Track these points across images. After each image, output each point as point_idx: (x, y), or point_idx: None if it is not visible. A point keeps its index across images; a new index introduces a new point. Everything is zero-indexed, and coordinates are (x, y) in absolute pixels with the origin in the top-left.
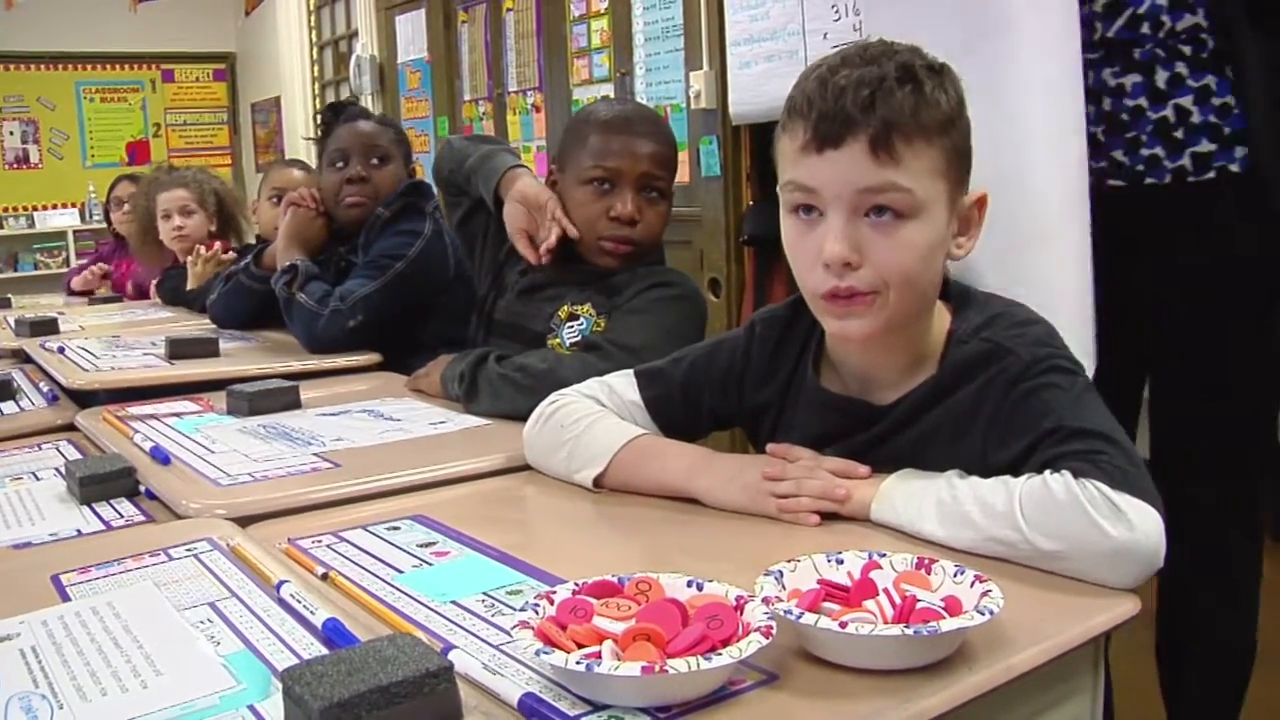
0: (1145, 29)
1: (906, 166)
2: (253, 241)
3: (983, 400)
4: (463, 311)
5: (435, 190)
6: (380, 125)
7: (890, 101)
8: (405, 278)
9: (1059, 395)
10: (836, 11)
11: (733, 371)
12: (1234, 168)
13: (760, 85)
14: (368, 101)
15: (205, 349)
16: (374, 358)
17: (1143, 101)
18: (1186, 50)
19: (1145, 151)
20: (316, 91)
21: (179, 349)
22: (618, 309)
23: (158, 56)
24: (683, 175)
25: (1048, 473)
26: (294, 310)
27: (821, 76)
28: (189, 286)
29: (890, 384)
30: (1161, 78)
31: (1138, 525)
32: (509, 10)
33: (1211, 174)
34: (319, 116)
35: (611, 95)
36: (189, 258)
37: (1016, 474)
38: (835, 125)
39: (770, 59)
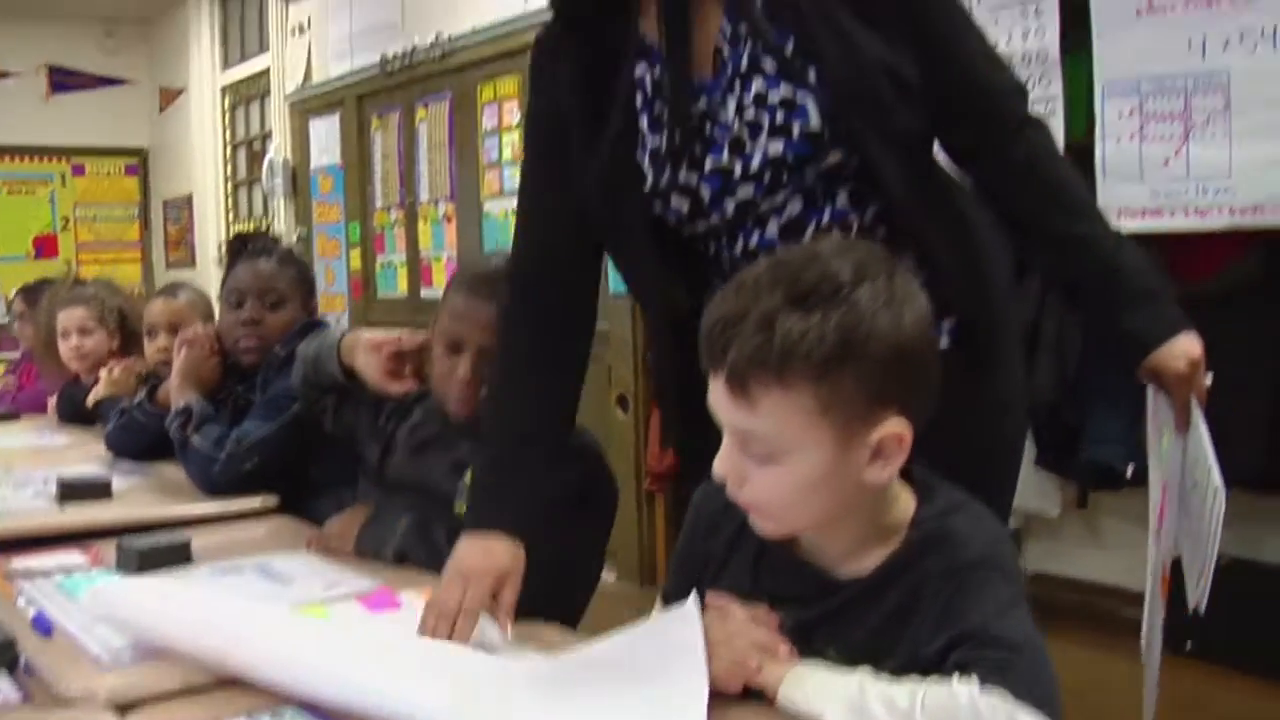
0: (836, 233)
1: (766, 412)
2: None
3: (929, 585)
4: None
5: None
6: (280, 265)
7: (743, 346)
8: (303, 419)
9: (992, 597)
10: None
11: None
12: (942, 343)
13: None
14: (279, 205)
15: (97, 491)
16: (270, 501)
17: None
18: (880, 232)
19: None
20: (229, 191)
21: (70, 491)
22: None
23: (69, 150)
24: None
25: (956, 676)
26: (189, 454)
27: (718, 296)
28: (97, 397)
29: (846, 555)
30: None
31: None
32: (422, 120)
33: None
34: (224, 247)
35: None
36: (101, 371)
37: (940, 665)
38: (708, 355)
39: None
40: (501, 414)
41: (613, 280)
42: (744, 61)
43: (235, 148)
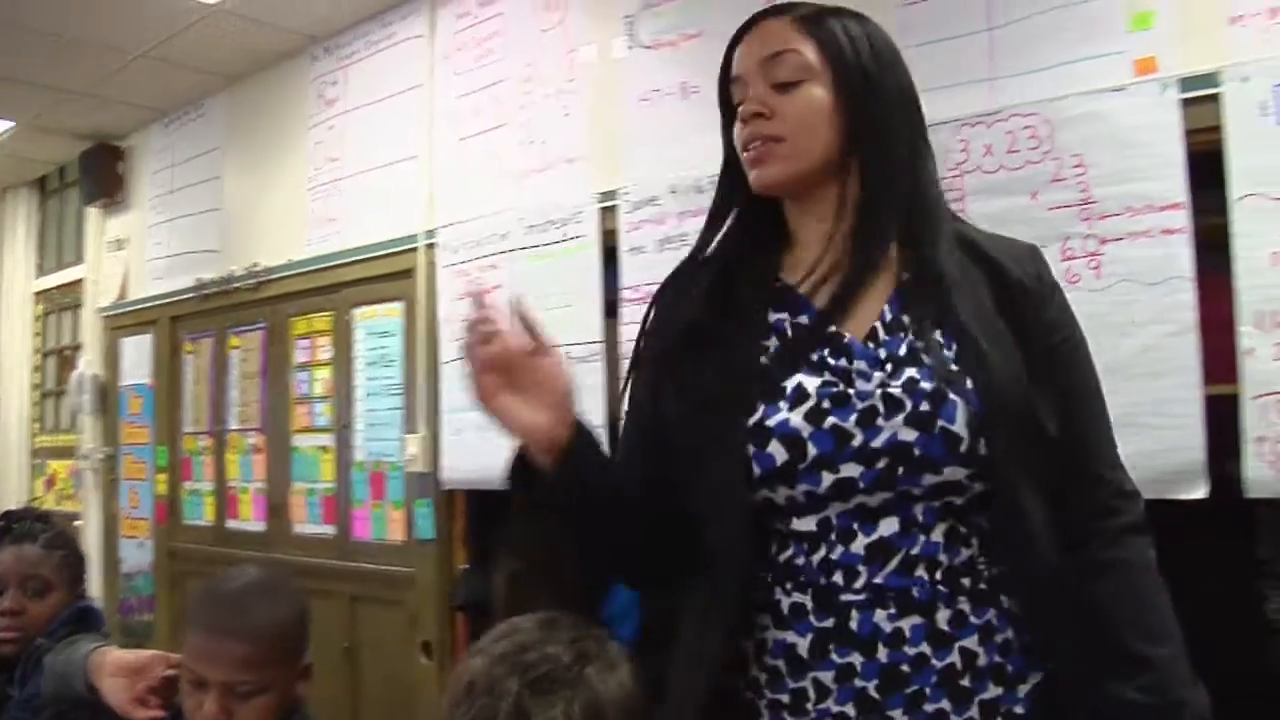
0: (920, 570)
1: None
2: None
3: None
4: None
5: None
6: (46, 549)
7: None
8: None
9: None
10: None
11: None
12: (1019, 709)
13: (472, 453)
14: (86, 424)
15: None
16: None
17: (925, 648)
18: (966, 583)
19: (929, 707)
20: (36, 400)
21: None
22: None
23: None
24: (398, 534)
25: None
26: None
27: (448, 706)
28: None
29: None
30: (943, 617)
31: None
32: (235, 348)
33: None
34: None
35: (331, 447)
36: None
37: None
38: None
39: (480, 429)
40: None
41: (419, 527)
42: (902, 349)
43: (45, 356)
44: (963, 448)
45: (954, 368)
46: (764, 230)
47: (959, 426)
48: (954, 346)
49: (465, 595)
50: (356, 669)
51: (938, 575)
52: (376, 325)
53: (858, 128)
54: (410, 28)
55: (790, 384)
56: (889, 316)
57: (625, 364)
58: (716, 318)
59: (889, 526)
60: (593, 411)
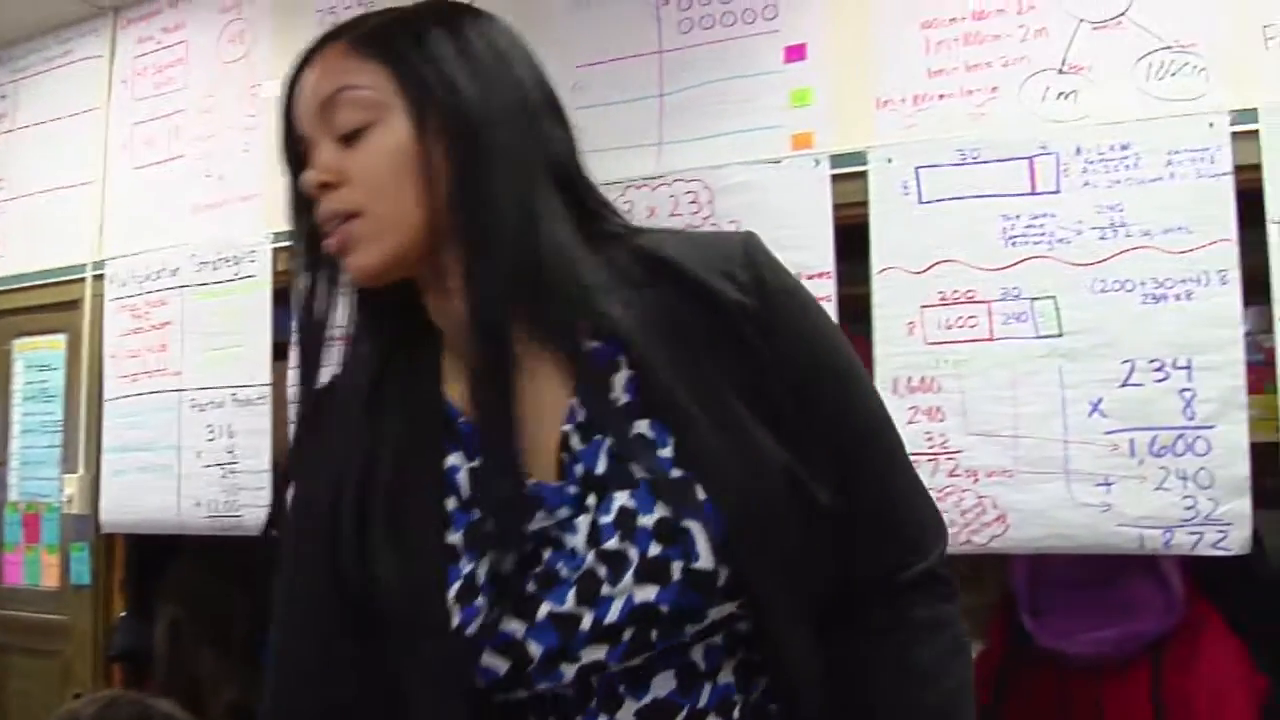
0: None
1: None
2: None
3: None
4: None
5: None
6: None
7: None
8: None
9: None
10: (212, 431)
11: None
12: None
13: (133, 495)
14: None
15: None
16: None
17: None
18: (773, 709)
19: None
20: None
21: None
22: None
23: None
24: (52, 580)
25: None
26: None
27: None
28: None
29: None
30: None
31: None
32: None
33: None
34: None
35: None
36: None
37: None
38: None
39: (144, 470)
40: None
41: (76, 572)
42: (601, 462)
43: None
44: (720, 583)
45: (675, 475)
46: (406, 321)
47: (705, 561)
48: (669, 440)
49: (123, 644)
50: None
51: (736, 716)
52: (37, 358)
53: (449, 171)
54: (89, 47)
55: (483, 572)
56: (580, 415)
57: (294, 409)
58: (379, 468)
59: (664, 685)
60: (258, 455)
